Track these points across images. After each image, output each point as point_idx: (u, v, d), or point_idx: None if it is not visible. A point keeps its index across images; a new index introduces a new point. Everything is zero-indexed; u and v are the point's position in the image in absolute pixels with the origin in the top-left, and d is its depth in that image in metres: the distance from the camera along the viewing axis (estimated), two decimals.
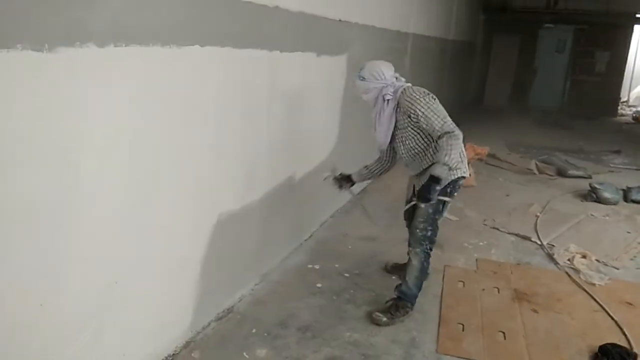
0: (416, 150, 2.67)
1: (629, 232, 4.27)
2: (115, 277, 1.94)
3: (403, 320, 2.75)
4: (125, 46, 1.75)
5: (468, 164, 5.22)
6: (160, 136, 2.04)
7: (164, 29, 1.93)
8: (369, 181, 3.24)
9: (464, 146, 2.64)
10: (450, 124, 2.46)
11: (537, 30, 12.87)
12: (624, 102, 14.31)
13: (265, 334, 2.59)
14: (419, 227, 2.74)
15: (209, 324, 2.64)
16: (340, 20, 3.71)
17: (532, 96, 13.11)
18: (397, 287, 2.88)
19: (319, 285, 3.13)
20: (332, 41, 3.68)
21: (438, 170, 2.39)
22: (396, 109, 2.62)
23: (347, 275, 3.27)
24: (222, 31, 2.30)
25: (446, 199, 2.69)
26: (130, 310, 2.06)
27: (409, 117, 2.55)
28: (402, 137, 2.68)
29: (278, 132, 3.03)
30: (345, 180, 3.07)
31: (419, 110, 2.49)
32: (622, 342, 2.61)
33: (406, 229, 3.16)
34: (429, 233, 2.74)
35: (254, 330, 2.62)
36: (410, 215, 3.00)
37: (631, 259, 3.72)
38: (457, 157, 2.45)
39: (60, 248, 1.67)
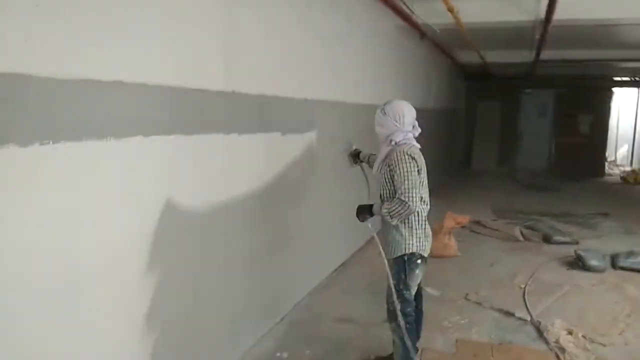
0: (382, 197, 2.77)
1: (617, 303, 4.10)
2: None
3: None
4: (54, 143, 1.69)
5: (449, 233, 5.27)
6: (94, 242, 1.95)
7: (104, 122, 1.89)
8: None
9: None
10: (413, 196, 2.49)
11: (518, 96, 13.19)
12: (611, 161, 14.44)
13: None
14: (389, 300, 2.74)
15: None
16: (306, 100, 3.74)
17: (519, 159, 13.23)
18: None
19: None
20: (299, 119, 3.70)
21: (376, 207, 2.73)
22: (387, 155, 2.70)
23: None
24: (167, 120, 2.27)
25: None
26: None
27: (390, 168, 2.65)
28: (379, 179, 2.80)
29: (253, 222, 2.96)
30: (357, 157, 3.26)
31: (400, 169, 2.57)
32: None
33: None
34: (400, 306, 2.67)
35: None
36: None
37: (619, 334, 3.53)
38: (395, 218, 2.58)
39: None
